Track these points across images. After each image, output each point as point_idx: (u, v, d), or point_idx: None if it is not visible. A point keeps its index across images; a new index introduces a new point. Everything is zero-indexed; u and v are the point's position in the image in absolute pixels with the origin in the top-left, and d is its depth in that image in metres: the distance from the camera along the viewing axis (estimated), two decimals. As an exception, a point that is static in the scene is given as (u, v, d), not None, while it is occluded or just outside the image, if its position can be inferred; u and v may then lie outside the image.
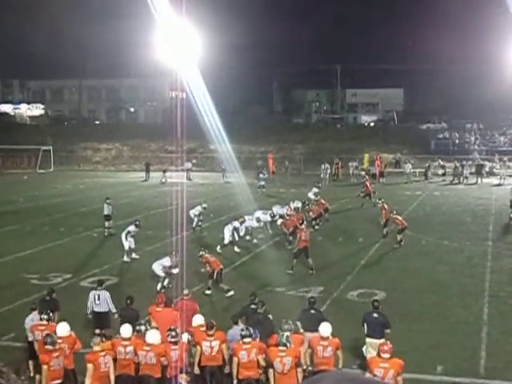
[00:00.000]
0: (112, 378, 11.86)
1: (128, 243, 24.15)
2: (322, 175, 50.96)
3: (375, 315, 13.67)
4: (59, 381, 11.76)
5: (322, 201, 32.05)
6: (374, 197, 36.86)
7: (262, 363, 12.08)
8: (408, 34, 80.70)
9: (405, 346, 14.50)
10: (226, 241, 25.37)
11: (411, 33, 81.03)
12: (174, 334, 12.25)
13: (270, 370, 11.82)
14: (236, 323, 13.38)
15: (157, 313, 14.35)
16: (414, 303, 18.78)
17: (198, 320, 13.40)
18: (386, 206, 28.21)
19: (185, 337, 12.70)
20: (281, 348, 11.66)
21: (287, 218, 27.45)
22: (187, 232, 26.68)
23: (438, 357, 14.46)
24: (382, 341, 13.09)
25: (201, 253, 20.02)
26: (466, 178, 49.78)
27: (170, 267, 19.90)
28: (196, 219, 29.70)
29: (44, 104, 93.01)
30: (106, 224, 29.27)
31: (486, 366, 14.04)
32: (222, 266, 19.90)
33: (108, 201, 29.88)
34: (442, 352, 14.78)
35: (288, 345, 11.69)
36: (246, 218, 27.20)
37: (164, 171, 52.20)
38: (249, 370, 12.04)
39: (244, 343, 12.10)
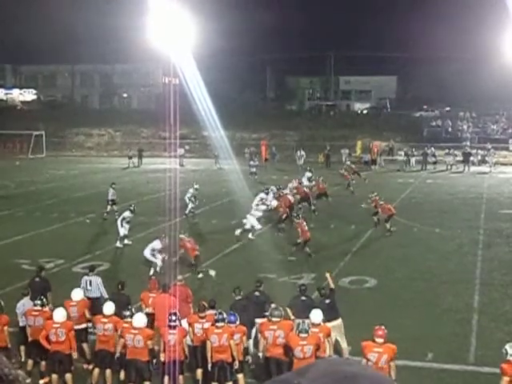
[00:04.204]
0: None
1: (123, 229, 24.15)
2: (297, 162, 51.17)
3: (327, 301, 14.00)
4: None
5: (320, 184, 32.49)
6: (351, 185, 37.25)
7: (233, 349, 12.18)
8: (402, 21, 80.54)
9: (395, 333, 14.57)
10: (249, 226, 25.50)
11: (405, 21, 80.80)
12: (173, 318, 12.37)
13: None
14: (213, 307, 13.45)
15: (153, 298, 14.43)
16: (405, 290, 18.86)
17: (78, 295, 13.86)
18: (377, 198, 28.33)
19: (183, 323, 12.90)
20: (302, 336, 11.76)
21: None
22: (180, 218, 26.71)
23: (429, 344, 14.54)
24: (340, 320, 13.41)
25: (181, 236, 20.33)
26: (451, 165, 50.23)
27: (161, 251, 20.03)
28: (191, 204, 29.67)
29: (36, 89, 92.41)
30: (113, 208, 29.28)
31: (476, 353, 14.14)
32: (197, 253, 20.13)
33: (113, 185, 30.03)
34: (433, 339, 14.86)
35: (309, 332, 11.83)
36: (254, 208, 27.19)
37: (130, 157, 53.97)
38: (221, 354, 12.21)
39: (216, 327, 12.24)
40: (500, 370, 10.71)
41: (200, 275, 19.70)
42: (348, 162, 46.56)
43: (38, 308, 13.41)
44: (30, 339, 13.35)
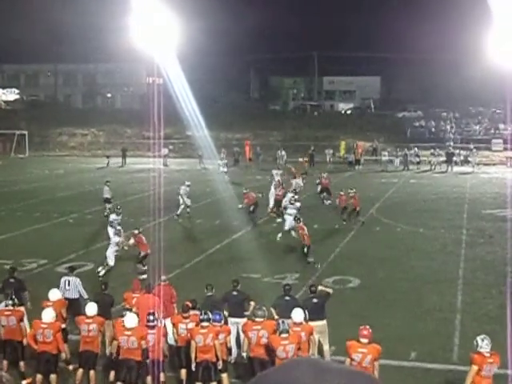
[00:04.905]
0: None
1: (113, 230, 23.76)
2: (277, 161, 51.29)
3: (315, 300, 13.98)
4: None
5: (324, 180, 34.50)
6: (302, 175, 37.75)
7: (218, 348, 12.17)
8: (386, 22, 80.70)
9: (379, 333, 14.61)
10: (287, 227, 25.38)
11: (389, 21, 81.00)
12: (151, 318, 12.35)
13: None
14: (194, 308, 13.43)
15: (137, 299, 14.38)
16: (389, 290, 18.92)
17: (55, 295, 14.03)
18: (356, 195, 28.38)
19: (167, 322, 12.88)
20: (283, 336, 11.76)
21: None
22: (164, 218, 26.63)
23: (412, 343, 14.60)
24: (325, 322, 13.41)
25: (136, 231, 20.66)
26: (435, 165, 50.63)
27: (119, 231, 20.52)
28: (183, 204, 29.49)
29: (19, 88, 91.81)
30: (105, 206, 29.22)
31: (459, 352, 14.20)
32: (149, 251, 20.22)
33: (108, 183, 29.92)
34: (416, 339, 14.92)
35: (290, 331, 11.85)
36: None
37: (107, 157, 53.82)
38: (206, 353, 12.20)
39: (202, 327, 12.23)
40: (470, 359, 11.11)
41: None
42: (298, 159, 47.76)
43: (10, 308, 13.34)
44: (3, 338, 13.25)
